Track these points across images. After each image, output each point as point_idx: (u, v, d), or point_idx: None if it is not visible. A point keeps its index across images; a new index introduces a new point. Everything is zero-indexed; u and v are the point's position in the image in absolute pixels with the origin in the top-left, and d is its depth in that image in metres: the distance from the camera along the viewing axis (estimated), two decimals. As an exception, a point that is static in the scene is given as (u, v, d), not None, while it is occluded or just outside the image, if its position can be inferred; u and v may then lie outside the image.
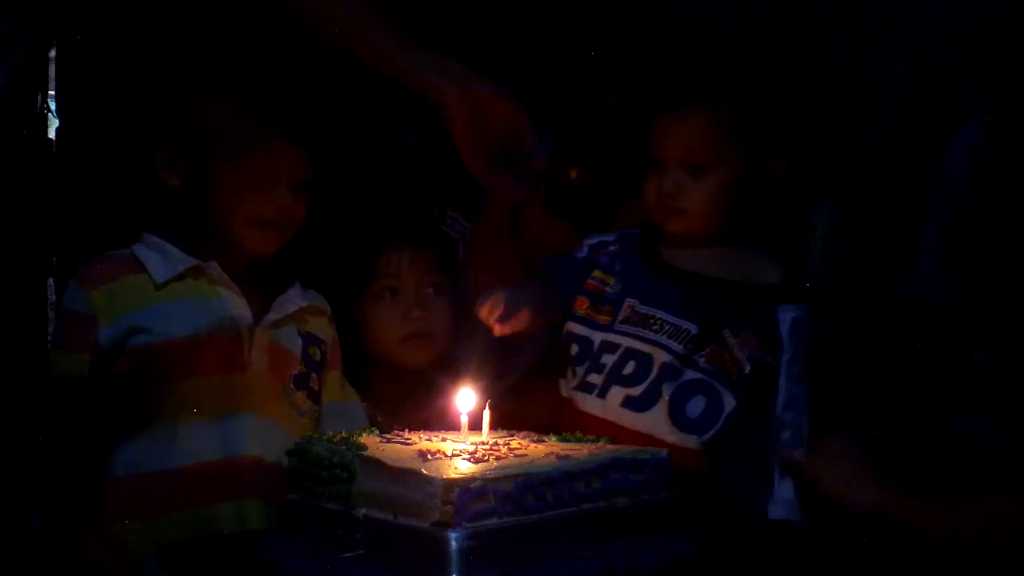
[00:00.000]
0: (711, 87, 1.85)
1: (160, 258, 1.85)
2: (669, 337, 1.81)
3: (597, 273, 1.94)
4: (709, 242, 1.89)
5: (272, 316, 1.88)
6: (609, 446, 1.56)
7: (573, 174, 2.18)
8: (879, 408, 2.11)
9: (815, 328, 1.85)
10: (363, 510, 1.34)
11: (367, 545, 1.33)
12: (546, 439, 1.59)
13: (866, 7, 2.16)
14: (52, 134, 2.36)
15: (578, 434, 1.64)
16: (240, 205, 1.83)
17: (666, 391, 1.78)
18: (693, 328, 1.80)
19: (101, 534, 1.78)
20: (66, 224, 2.32)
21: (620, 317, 1.87)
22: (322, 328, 1.97)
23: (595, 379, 1.85)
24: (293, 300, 1.92)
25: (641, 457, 1.49)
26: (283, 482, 1.73)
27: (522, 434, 1.62)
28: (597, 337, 1.88)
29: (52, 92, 2.34)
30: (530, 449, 1.49)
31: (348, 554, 1.33)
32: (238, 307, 1.85)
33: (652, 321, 1.83)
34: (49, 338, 2.08)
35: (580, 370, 1.88)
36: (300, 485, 1.45)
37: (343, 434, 1.51)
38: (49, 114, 2.34)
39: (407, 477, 1.31)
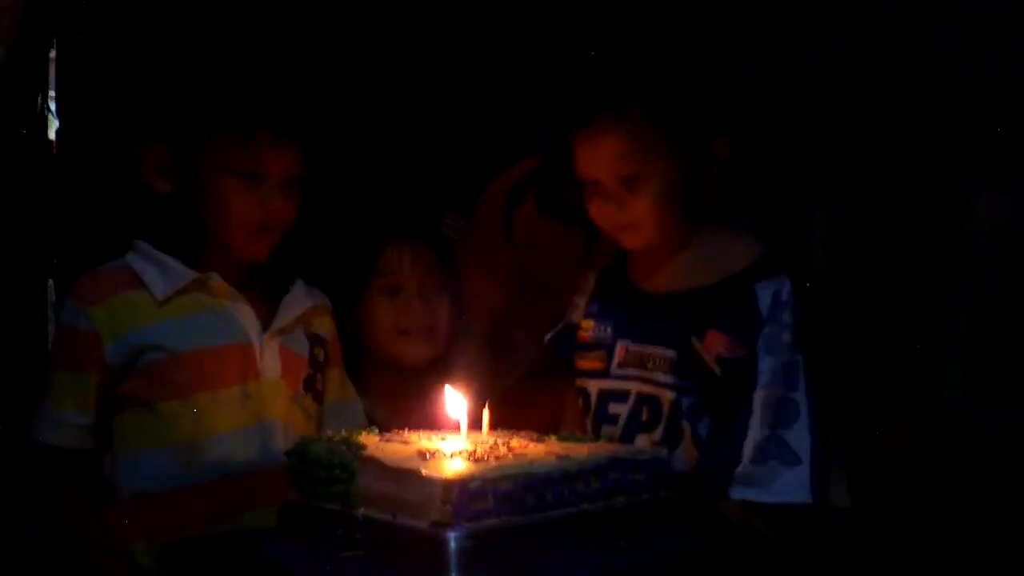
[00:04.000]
0: (613, 95, 1.73)
1: (158, 272, 1.80)
2: (665, 372, 1.76)
3: (583, 323, 1.89)
4: (676, 246, 1.81)
5: (280, 321, 1.86)
6: (609, 445, 1.56)
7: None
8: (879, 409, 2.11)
9: (806, 297, 1.77)
10: (362, 510, 1.34)
11: (366, 545, 1.33)
12: (546, 439, 1.59)
13: (867, 8, 2.16)
14: (52, 134, 2.37)
15: (578, 434, 1.63)
16: (230, 209, 1.79)
17: (685, 426, 1.73)
18: (672, 353, 1.75)
19: (107, 544, 1.76)
20: (66, 225, 2.33)
21: (616, 361, 1.82)
22: (325, 327, 1.96)
23: (610, 430, 1.79)
24: (299, 302, 1.90)
25: (640, 457, 1.49)
26: None
27: (522, 434, 1.61)
28: (593, 387, 1.84)
29: (52, 92, 2.35)
30: (530, 449, 1.48)
31: (347, 554, 1.33)
32: (246, 316, 1.82)
33: (648, 360, 1.77)
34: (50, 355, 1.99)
35: (589, 423, 1.83)
36: (299, 485, 1.45)
37: (342, 434, 1.51)
38: (49, 114, 2.35)
39: (406, 477, 1.30)
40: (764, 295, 1.72)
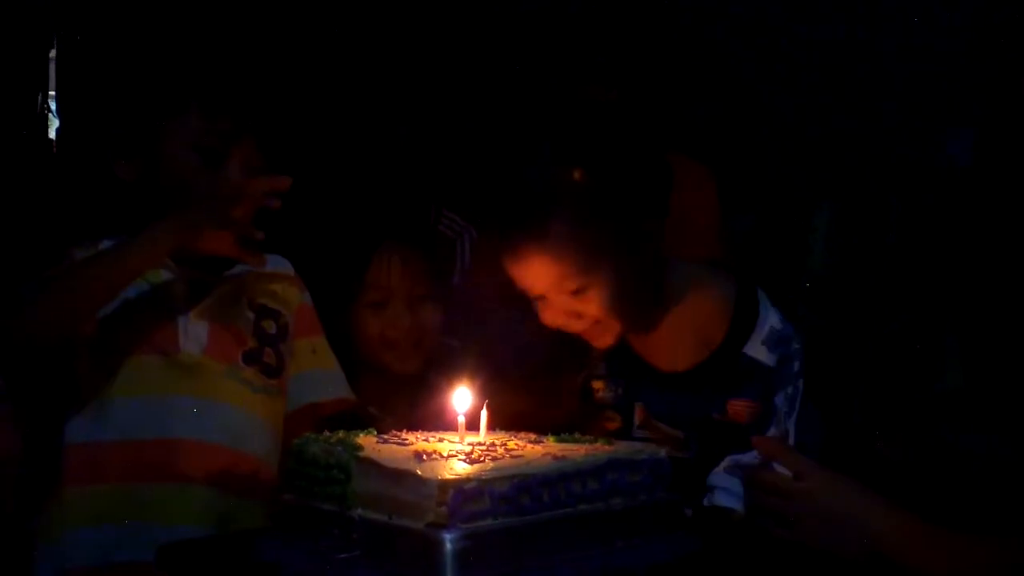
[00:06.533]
0: (526, 223, 1.64)
1: (110, 242, 1.82)
2: (673, 448, 1.68)
3: (594, 383, 1.86)
4: (652, 320, 1.75)
5: (210, 297, 1.85)
6: (606, 446, 1.55)
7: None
8: (878, 412, 2.10)
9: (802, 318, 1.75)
10: (359, 511, 1.34)
11: (362, 546, 1.33)
12: (544, 440, 1.58)
13: (866, 6, 2.16)
14: (52, 134, 2.38)
15: (576, 434, 1.63)
16: (192, 187, 1.79)
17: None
18: (679, 433, 1.73)
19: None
20: (67, 224, 2.33)
21: (636, 422, 1.78)
22: (282, 296, 1.93)
23: None
24: (240, 271, 1.88)
25: (638, 458, 1.48)
26: (235, 466, 1.74)
27: (520, 435, 1.61)
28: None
29: (52, 92, 2.35)
30: (527, 450, 1.48)
31: (344, 555, 1.33)
32: (177, 292, 1.83)
33: (660, 432, 1.75)
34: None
35: None
36: (296, 485, 1.44)
37: (340, 434, 1.51)
38: (49, 114, 2.35)
39: (402, 478, 1.30)
40: (757, 350, 1.68)
